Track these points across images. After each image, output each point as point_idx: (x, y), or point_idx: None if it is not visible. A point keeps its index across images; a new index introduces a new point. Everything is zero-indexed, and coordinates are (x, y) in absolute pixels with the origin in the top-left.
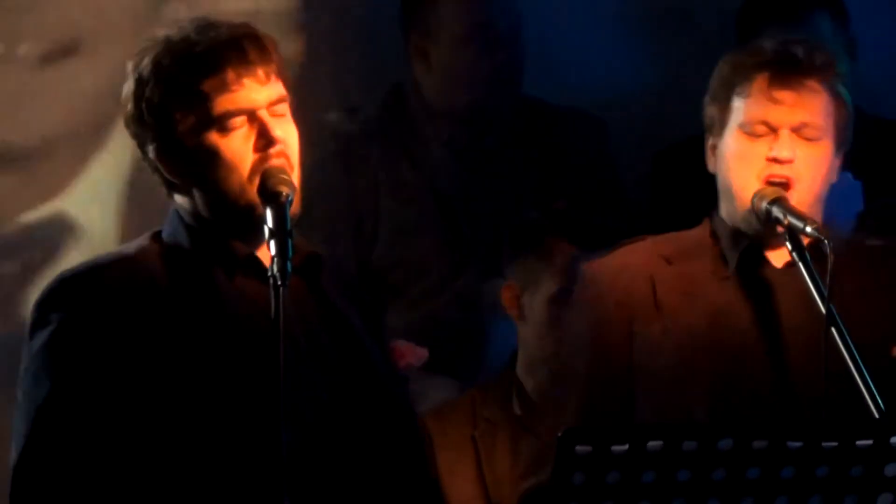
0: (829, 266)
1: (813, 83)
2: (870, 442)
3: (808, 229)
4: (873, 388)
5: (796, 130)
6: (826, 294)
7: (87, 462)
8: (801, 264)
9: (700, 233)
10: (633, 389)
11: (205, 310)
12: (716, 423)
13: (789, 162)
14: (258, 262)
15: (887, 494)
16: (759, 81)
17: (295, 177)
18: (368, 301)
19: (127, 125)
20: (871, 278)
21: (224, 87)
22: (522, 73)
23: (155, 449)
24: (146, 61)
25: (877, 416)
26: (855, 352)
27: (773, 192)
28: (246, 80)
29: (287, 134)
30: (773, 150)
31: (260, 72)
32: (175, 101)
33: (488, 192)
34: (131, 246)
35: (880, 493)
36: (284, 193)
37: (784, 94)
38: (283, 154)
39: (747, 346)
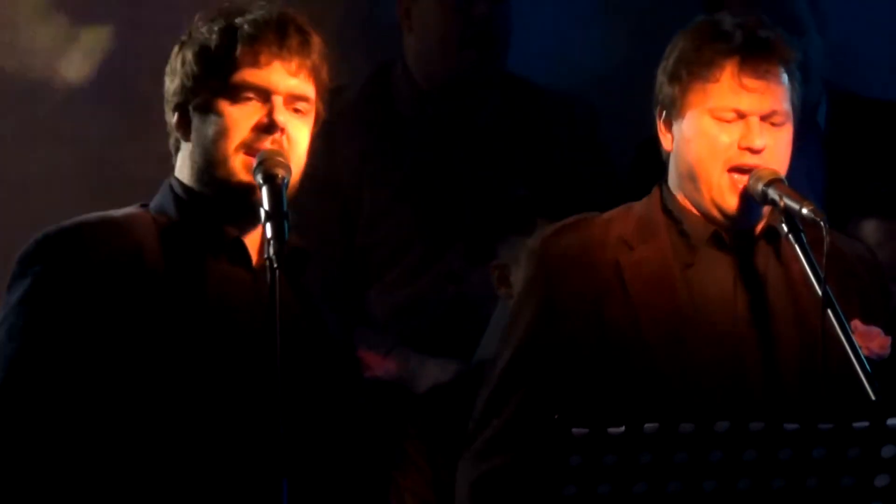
0: (826, 247)
1: (777, 70)
2: (866, 424)
3: (805, 211)
4: (869, 370)
5: (765, 118)
6: (822, 276)
7: (53, 421)
8: (797, 246)
9: (651, 207)
10: (599, 374)
11: (187, 286)
12: (712, 405)
13: (761, 151)
14: (243, 247)
15: (884, 476)
16: (729, 67)
17: (291, 175)
18: (342, 306)
19: (166, 73)
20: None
21: (254, 62)
22: (507, 40)
23: (125, 413)
24: (201, 20)
25: (873, 397)
26: (851, 333)
27: (769, 173)
28: (276, 63)
29: (294, 131)
30: (745, 139)
31: (294, 63)
32: (204, 58)
33: (475, 172)
34: (118, 211)
35: (877, 474)
36: (280, 175)
37: (754, 83)
38: (280, 144)
39: (721, 329)
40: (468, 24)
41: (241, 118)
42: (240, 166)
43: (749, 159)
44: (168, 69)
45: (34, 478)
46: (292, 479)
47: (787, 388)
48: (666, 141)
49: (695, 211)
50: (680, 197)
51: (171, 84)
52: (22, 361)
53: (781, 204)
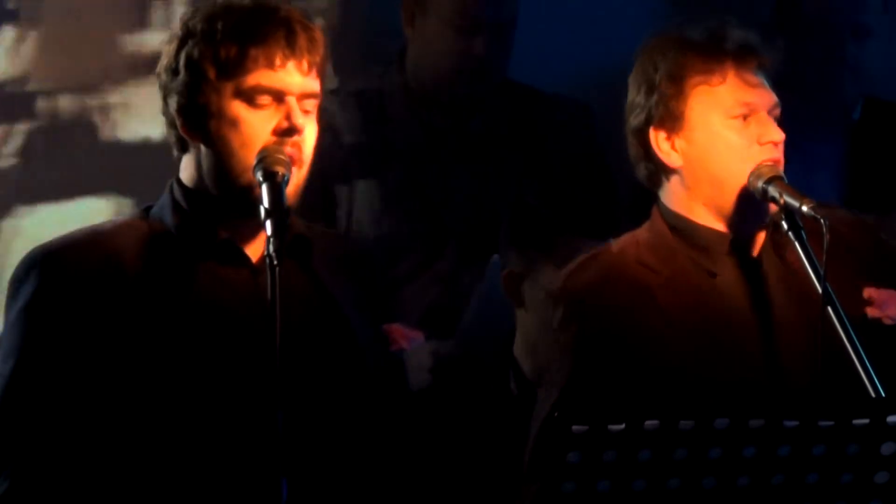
0: (825, 245)
1: (764, 67)
2: (866, 421)
3: (805, 209)
4: (870, 368)
5: (770, 111)
6: (822, 273)
7: (52, 435)
8: (797, 244)
9: (657, 231)
10: (645, 395)
11: (172, 293)
12: (712, 401)
13: (779, 144)
14: (234, 247)
15: (883, 473)
16: (730, 67)
17: (302, 173)
18: (374, 277)
19: (158, 74)
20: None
21: (268, 63)
22: (506, 64)
23: (125, 430)
24: (199, 17)
25: (873, 395)
26: (851, 331)
27: (769, 170)
28: (290, 64)
29: (308, 129)
30: (763, 135)
31: (305, 61)
32: (215, 61)
33: (470, 176)
34: (111, 221)
35: (877, 471)
36: (280, 173)
37: (754, 79)
38: (298, 146)
39: (748, 337)
40: (467, 57)
41: (259, 124)
42: None
43: (772, 153)
44: (164, 66)
45: (37, 488)
46: (294, 478)
47: (789, 388)
48: (671, 158)
49: (703, 223)
50: (693, 211)
51: (172, 83)
52: (17, 380)
53: (781, 201)
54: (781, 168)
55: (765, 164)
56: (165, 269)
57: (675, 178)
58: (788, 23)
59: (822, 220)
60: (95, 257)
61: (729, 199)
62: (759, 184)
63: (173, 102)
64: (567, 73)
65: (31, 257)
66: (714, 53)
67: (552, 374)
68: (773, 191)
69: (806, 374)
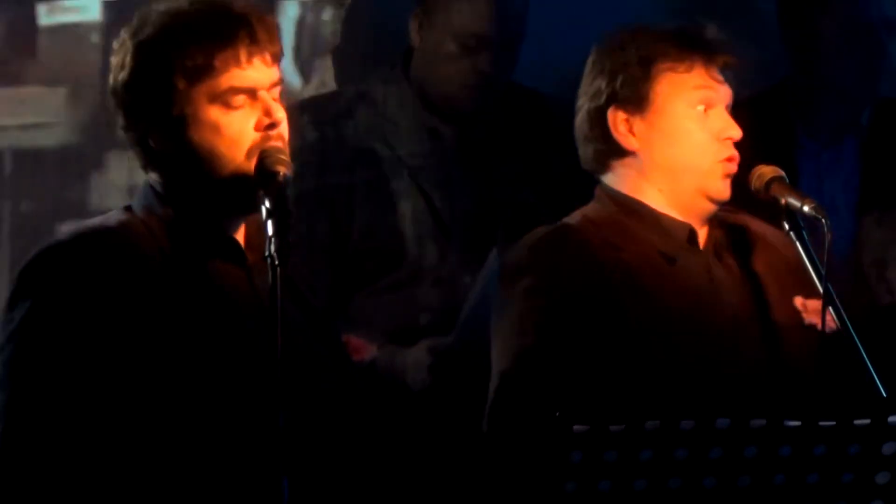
0: (827, 244)
1: (730, 67)
2: (867, 421)
3: (806, 209)
4: (870, 367)
5: (728, 107)
6: (824, 273)
7: (66, 442)
8: (798, 243)
9: (610, 213)
10: (620, 370)
11: (194, 287)
12: (712, 401)
13: (737, 140)
14: (238, 246)
15: (885, 473)
16: (699, 60)
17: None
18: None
19: (115, 92)
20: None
21: (236, 63)
22: (511, 75)
23: (139, 433)
24: (149, 28)
25: (874, 394)
26: (852, 330)
27: (771, 170)
28: (256, 60)
29: (283, 118)
30: (725, 130)
31: (267, 54)
32: (182, 70)
33: (471, 179)
34: (110, 218)
35: (878, 471)
36: (282, 172)
37: (719, 76)
38: (283, 138)
39: (705, 324)
40: (472, 73)
41: (240, 124)
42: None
43: (730, 150)
44: (121, 83)
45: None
46: (295, 477)
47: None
48: (628, 140)
49: (662, 210)
50: (646, 194)
51: (137, 100)
52: (34, 380)
53: (783, 202)
54: (736, 167)
55: (765, 165)
56: (185, 264)
57: (628, 160)
58: (793, 22)
59: (823, 221)
60: (112, 252)
61: (680, 187)
62: (761, 184)
63: (142, 119)
64: (568, 74)
65: (44, 254)
66: (685, 44)
67: (507, 347)
68: (774, 191)
69: (761, 362)
